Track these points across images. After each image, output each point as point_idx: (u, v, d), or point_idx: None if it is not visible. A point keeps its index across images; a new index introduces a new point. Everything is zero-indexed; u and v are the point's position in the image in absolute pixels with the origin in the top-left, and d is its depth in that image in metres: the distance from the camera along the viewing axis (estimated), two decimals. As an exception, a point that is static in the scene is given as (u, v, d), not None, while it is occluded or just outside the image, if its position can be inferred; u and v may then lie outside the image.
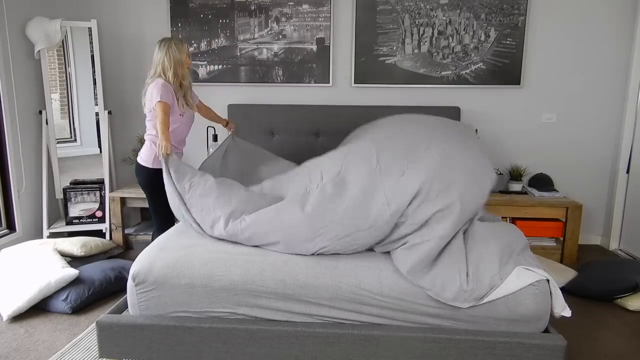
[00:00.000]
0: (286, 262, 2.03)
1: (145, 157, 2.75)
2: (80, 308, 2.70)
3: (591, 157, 3.86)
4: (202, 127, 4.00)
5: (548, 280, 1.88)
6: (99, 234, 3.82)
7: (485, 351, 1.84)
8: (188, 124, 2.86)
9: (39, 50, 3.55)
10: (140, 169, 2.77)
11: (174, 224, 2.77)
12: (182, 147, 2.89)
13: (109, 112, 3.93)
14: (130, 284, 2.04)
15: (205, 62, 3.93)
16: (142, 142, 3.95)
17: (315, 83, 3.90)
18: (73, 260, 3.16)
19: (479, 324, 1.88)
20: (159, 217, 2.84)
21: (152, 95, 2.63)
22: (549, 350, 1.81)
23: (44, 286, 2.64)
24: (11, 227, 3.54)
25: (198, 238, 2.27)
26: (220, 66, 3.93)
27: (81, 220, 3.76)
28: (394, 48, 3.81)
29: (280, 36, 3.88)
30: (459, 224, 2.05)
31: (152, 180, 2.72)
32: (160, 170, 2.47)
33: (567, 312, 1.86)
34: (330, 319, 1.97)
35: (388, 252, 2.13)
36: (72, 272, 2.75)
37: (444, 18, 3.75)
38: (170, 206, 2.43)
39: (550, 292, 1.87)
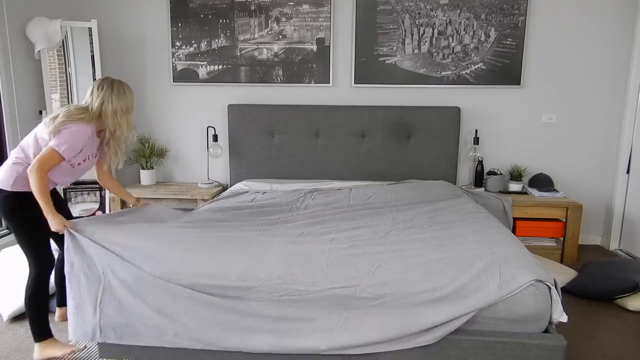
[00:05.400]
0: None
1: None
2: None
3: (591, 157, 3.86)
4: (202, 127, 4.01)
5: (550, 287, 1.89)
6: (99, 234, 3.81)
7: (485, 351, 1.84)
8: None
9: (39, 51, 3.55)
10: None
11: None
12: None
13: (109, 112, 3.92)
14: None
15: (205, 62, 3.93)
16: (141, 142, 3.96)
17: (315, 83, 3.90)
18: (73, 260, 3.15)
19: (479, 324, 1.88)
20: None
21: None
22: (549, 351, 1.81)
23: (44, 286, 2.64)
24: (11, 227, 3.53)
25: None
26: (220, 66, 3.93)
27: (81, 220, 3.75)
28: (394, 48, 3.81)
29: (281, 36, 3.87)
30: None
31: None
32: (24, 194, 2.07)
33: (564, 318, 1.89)
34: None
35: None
36: (72, 272, 2.75)
37: (444, 18, 3.75)
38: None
39: (551, 298, 1.87)
